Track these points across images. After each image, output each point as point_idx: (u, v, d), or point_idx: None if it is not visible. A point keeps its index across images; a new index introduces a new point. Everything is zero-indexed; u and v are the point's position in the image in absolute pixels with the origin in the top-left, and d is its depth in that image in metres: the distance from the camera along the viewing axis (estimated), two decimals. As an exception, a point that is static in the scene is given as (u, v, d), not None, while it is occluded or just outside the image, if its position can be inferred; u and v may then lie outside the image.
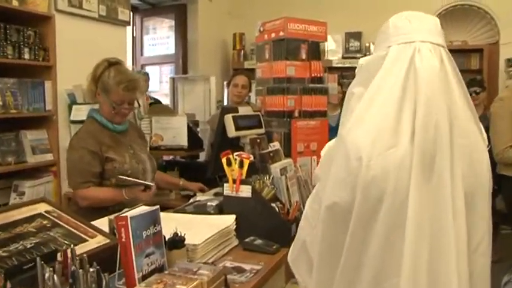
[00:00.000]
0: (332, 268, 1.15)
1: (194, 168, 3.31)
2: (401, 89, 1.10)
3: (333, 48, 5.89)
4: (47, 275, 1.18)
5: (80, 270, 1.23)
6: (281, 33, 2.64)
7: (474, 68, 6.11)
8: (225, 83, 5.51)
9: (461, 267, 1.08)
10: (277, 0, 6.05)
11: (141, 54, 6.14)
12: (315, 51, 2.75)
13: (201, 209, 2.09)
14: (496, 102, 3.48)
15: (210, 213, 2.06)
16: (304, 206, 2.29)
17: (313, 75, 2.73)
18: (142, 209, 1.50)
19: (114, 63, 2.36)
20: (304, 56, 2.70)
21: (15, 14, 3.03)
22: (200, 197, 2.29)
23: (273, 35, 2.70)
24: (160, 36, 6.22)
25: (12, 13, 3.00)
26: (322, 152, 1.41)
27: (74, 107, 3.31)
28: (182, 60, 5.87)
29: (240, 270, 1.66)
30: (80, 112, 3.16)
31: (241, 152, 2.03)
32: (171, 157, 3.74)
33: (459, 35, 6.20)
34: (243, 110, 2.48)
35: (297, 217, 2.07)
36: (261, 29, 2.77)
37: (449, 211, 1.08)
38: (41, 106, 3.14)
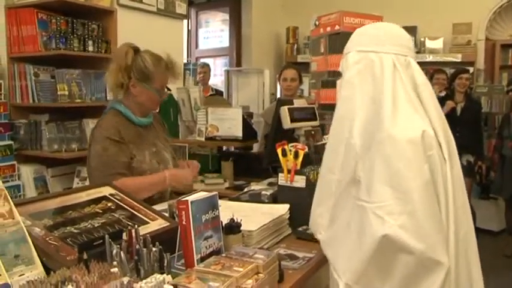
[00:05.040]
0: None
1: (248, 159, 3.37)
2: (411, 96, 1.29)
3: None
4: (114, 251, 1.26)
5: (144, 249, 1.30)
6: (337, 27, 2.66)
7: (530, 63, 5.89)
8: (276, 76, 5.56)
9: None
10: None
11: (196, 47, 6.27)
12: (371, 44, 2.74)
13: (255, 198, 2.13)
14: None
15: (264, 202, 2.10)
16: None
17: (368, 68, 2.72)
18: (201, 194, 1.56)
19: (138, 49, 2.17)
20: (359, 50, 2.69)
21: (81, 9, 3.20)
22: (254, 187, 2.34)
23: (328, 28, 2.72)
24: (214, 30, 6.33)
25: (79, 8, 3.18)
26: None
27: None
28: (236, 54, 5.96)
29: (293, 258, 1.69)
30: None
31: (297, 143, 2.07)
32: (225, 148, 3.83)
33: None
34: (298, 103, 2.51)
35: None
36: (317, 23, 2.79)
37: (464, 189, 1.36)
38: (102, 96, 3.29)
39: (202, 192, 1.66)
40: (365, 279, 1.28)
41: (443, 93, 5.00)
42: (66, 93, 3.01)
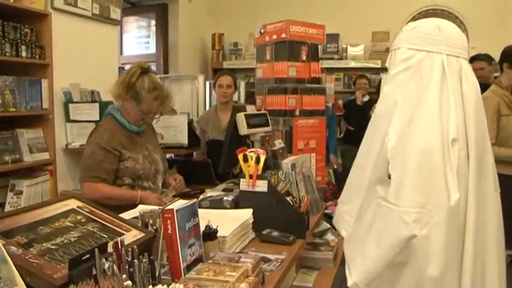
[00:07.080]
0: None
1: (193, 166, 3.36)
2: (453, 104, 1.24)
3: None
4: (106, 265, 1.23)
5: (135, 261, 1.29)
6: (283, 35, 2.74)
7: (444, 69, 6.39)
8: (207, 83, 5.56)
9: (501, 260, 1.30)
10: (255, 1, 6.17)
11: (121, 53, 6.11)
12: (314, 52, 2.87)
13: (217, 204, 2.15)
14: None
15: (226, 208, 2.12)
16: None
17: (312, 75, 2.84)
18: (181, 202, 1.56)
19: (146, 71, 2.38)
20: (304, 58, 2.81)
21: (11, 11, 3.01)
22: (211, 193, 2.35)
23: (274, 36, 2.79)
24: (140, 36, 6.22)
25: (9, 10, 2.98)
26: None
27: (72, 105, 3.31)
28: (163, 60, 5.89)
29: (266, 260, 1.73)
30: (79, 111, 3.16)
31: (257, 149, 2.12)
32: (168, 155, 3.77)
33: (430, 38, 6.47)
34: (250, 109, 2.56)
35: (308, 210, 2.18)
36: (262, 31, 2.86)
37: (494, 205, 1.28)
38: (38, 105, 3.13)
39: (181, 200, 1.66)
40: (375, 283, 1.27)
41: (366, 98, 5.28)
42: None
